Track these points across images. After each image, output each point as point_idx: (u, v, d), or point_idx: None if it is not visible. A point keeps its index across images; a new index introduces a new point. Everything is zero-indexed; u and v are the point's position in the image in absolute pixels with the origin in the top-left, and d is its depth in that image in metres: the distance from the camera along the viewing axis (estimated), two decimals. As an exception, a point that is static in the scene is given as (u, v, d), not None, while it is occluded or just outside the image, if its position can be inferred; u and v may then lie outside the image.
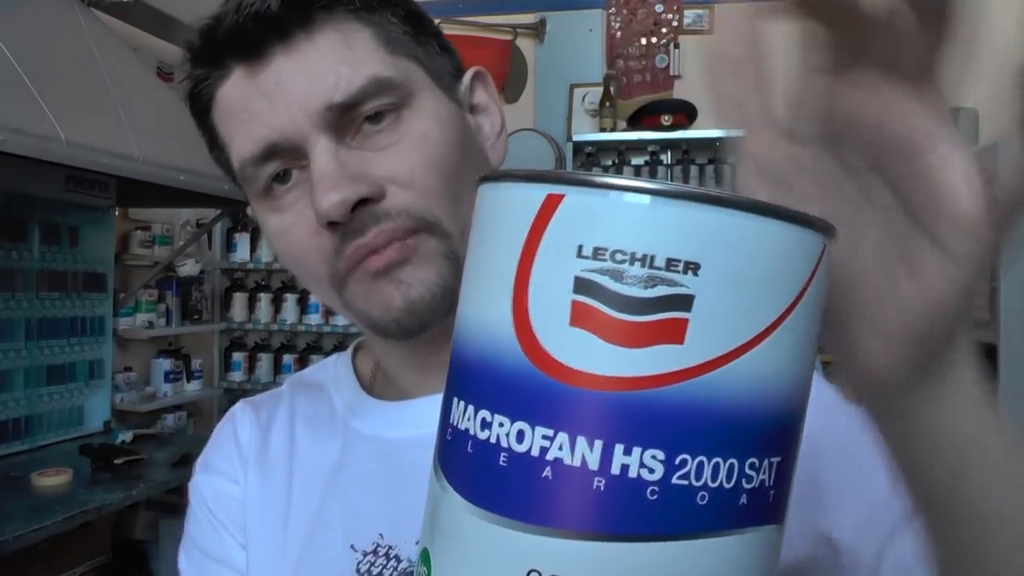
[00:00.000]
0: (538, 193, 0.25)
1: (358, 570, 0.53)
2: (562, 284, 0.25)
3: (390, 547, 0.52)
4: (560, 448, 0.24)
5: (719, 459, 0.24)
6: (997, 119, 3.16)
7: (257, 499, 0.59)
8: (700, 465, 0.24)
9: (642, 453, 0.24)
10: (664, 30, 3.66)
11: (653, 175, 3.40)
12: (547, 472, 0.24)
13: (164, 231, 3.37)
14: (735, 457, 0.25)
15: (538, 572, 0.24)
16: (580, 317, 0.24)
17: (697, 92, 3.48)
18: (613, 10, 3.70)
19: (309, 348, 3.83)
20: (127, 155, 2.26)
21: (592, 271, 0.24)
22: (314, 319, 3.73)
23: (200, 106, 0.53)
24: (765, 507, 0.26)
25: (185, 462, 2.46)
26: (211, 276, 3.82)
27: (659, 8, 3.66)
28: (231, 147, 0.52)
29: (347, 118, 0.49)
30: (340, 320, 3.70)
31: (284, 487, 0.58)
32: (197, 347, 3.65)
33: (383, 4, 0.51)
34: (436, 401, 0.47)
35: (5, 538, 1.71)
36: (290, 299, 3.76)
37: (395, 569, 0.52)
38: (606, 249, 0.24)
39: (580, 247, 0.24)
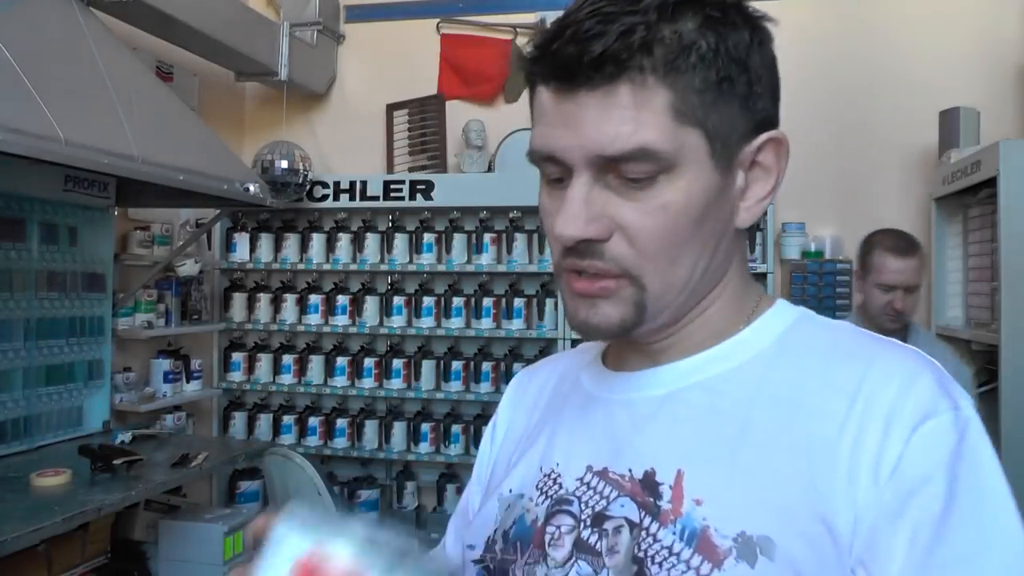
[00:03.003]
0: None
1: (536, 485, 0.68)
2: None
3: (559, 475, 0.66)
4: None
5: None
6: (997, 119, 3.15)
7: (516, 412, 0.80)
8: None
9: None
10: (664, 30, 3.65)
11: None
12: None
13: (163, 231, 3.36)
14: None
15: None
16: None
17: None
18: (613, 10, 3.69)
19: (309, 348, 3.81)
20: (126, 155, 2.26)
21: None
22: (314, 319, 3.72)
23: (532, 83, 0.63)
24: None
25: (184, 462, 2.46)
26: (210, 276, 3.81)
27: (659, 8, 3.65)
28: (533, 130, 0.62)
29: (612, 164, 0.58)
30: (340, 320, 3.70)
31: (532, 406, 0.78)
32: (196, 347, 3.65)
33: (692, 68, 0.56)
34: (628, 378, 0.68)
35: (4, 538, 1.71)
36: (289, 299, 3.75)
37: (556, 491, 0.66)
38: None
39: None
